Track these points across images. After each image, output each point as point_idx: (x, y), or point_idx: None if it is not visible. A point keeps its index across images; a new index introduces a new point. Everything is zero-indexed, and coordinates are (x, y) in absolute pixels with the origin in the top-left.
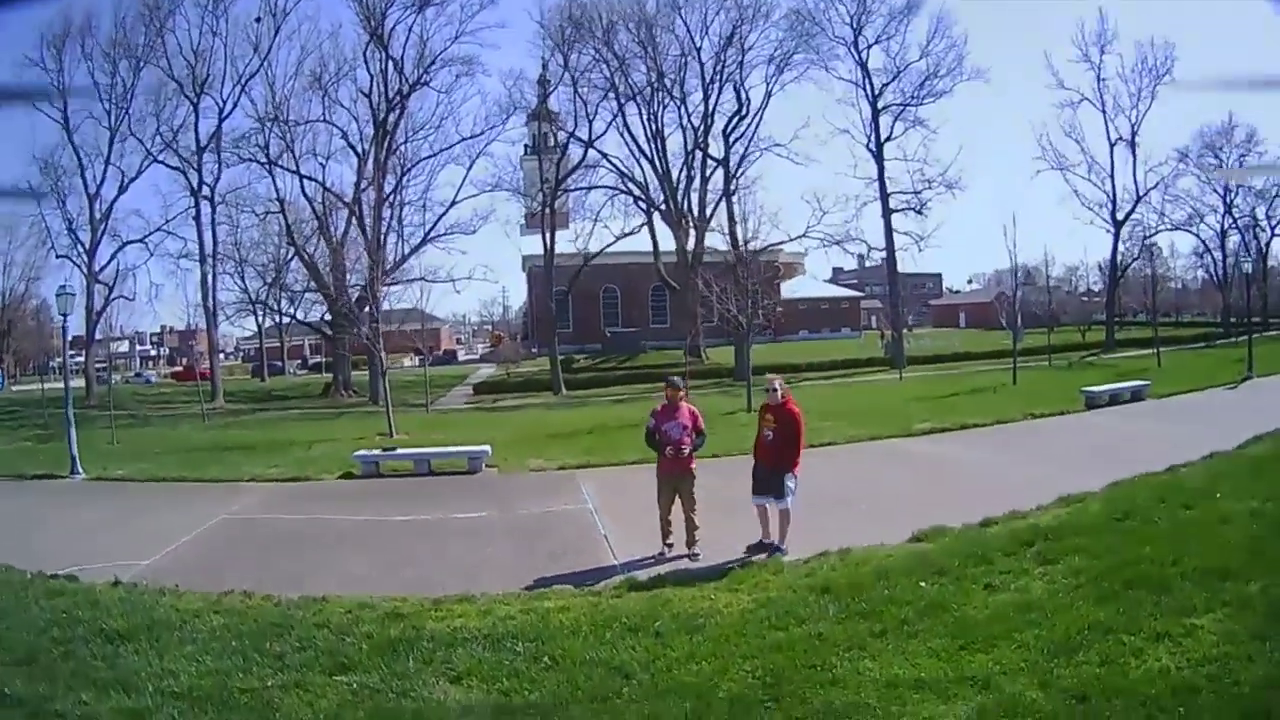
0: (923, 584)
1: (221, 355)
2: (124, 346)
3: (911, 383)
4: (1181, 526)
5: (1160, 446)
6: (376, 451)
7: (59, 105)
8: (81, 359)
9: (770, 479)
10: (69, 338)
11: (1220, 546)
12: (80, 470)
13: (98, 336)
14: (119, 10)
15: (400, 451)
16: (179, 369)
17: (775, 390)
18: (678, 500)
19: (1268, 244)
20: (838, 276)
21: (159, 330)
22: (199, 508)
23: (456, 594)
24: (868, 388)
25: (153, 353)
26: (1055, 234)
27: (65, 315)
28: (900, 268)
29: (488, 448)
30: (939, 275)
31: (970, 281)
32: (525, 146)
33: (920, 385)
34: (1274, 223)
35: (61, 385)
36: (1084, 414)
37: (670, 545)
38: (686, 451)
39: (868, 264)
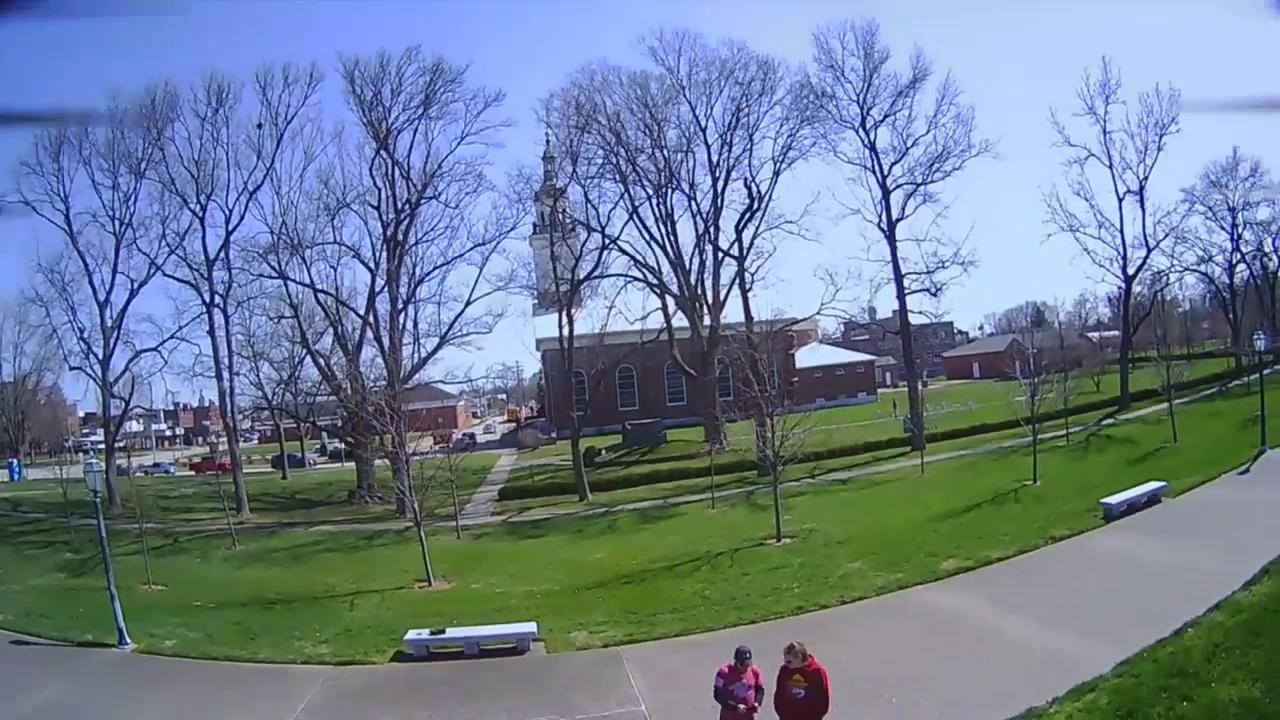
0: None
1: (239, 439)
2: (137, 425)
3: (933, 477)
4: None
5: (1172, 589)
6: (426, 634)
7: (61, 210)
8: (97, 448)
9: None
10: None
11: None
12: (128, 640)
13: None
14: (116, 118)
15: (450, 635)
16: (197, 460)
17: (798, 655)
18: None
19: (1275, 273)
20: (850, 332)
21: (173, 408)
22: (263, 708)
23: None
24: (891, 489)
25: (167, 432)
26: (1066, 287)
27: (96, 493)
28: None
29: (534, 627)
30: (950, 324)
31: (981, 327)
32: (534, 225)
33: (942, 483)
34: None
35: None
36: (1102, 533)
37: None
38: (756, 708)
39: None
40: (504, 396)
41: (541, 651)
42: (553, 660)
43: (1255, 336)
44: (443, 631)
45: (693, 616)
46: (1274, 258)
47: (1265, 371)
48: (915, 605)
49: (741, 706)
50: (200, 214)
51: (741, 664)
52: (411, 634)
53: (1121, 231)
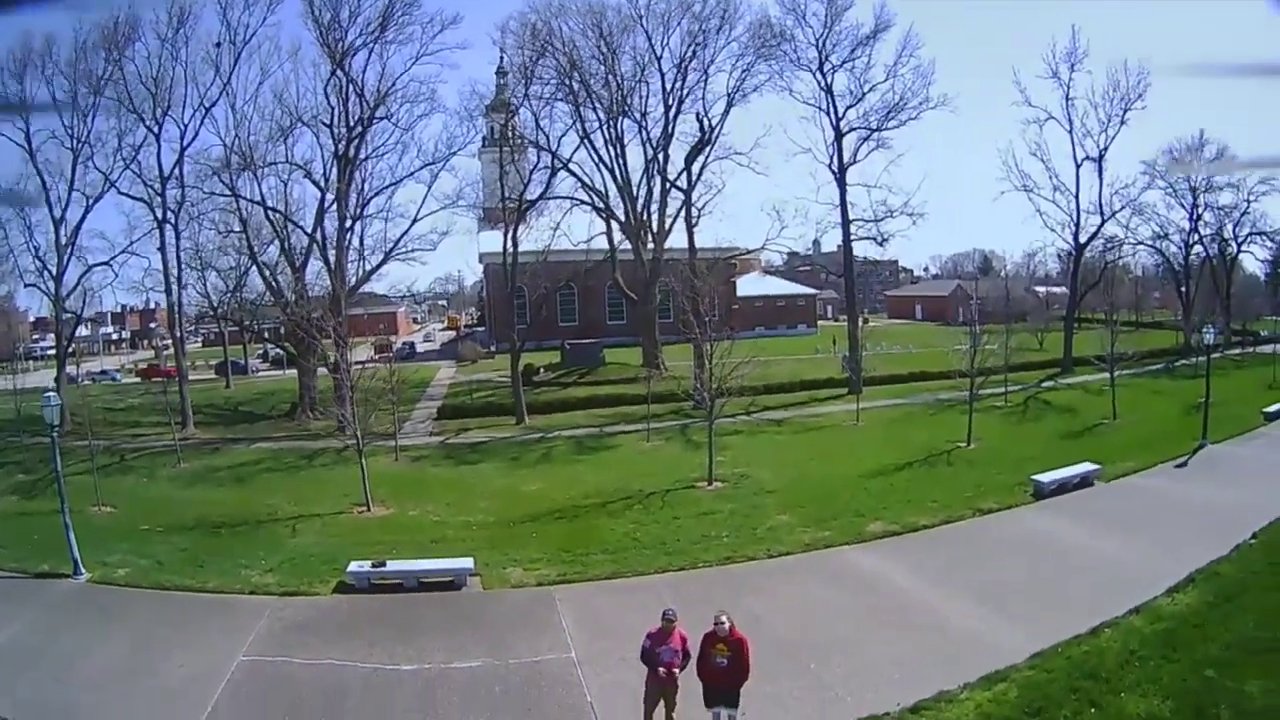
0: None
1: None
2: (85, 329)
3: (868, 427)
4: None
5: (1094, 580)
6: (368, 566)
7: (21, 126)
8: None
9: (726, 695)
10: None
11: None
12: (83, 571)
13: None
14: (78, 35)
15: (390, 568)
16: (144, 366)
17: (723, 624)
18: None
19: (1233, 259)
20: (792, 261)
21: (119, 310)
22: (214, 640)
23: None
24: (825, 437)
25: (114, 336)
26: (1016, 239)
27: (54, 426)
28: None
29: (471, 562)
30: (895, 262)
31: (927, 269)
32: (483, 139)
33: (876, 435)
34: (1240, 239)
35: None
36: (1031, 511)
37: None
38: (678, 673)
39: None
40: (444, 303)
41: (478, 587)
42: (488, 597)
43: (1205, 330)
44: (383, 564)
45: (624, 559)
46: (1233, 244)
47: (1214, 355)
48: (840, 566)
49: (664, 672)
50: (156, 130)
51: (668, 626)
52: (353, 566)
53: (1076, 197)
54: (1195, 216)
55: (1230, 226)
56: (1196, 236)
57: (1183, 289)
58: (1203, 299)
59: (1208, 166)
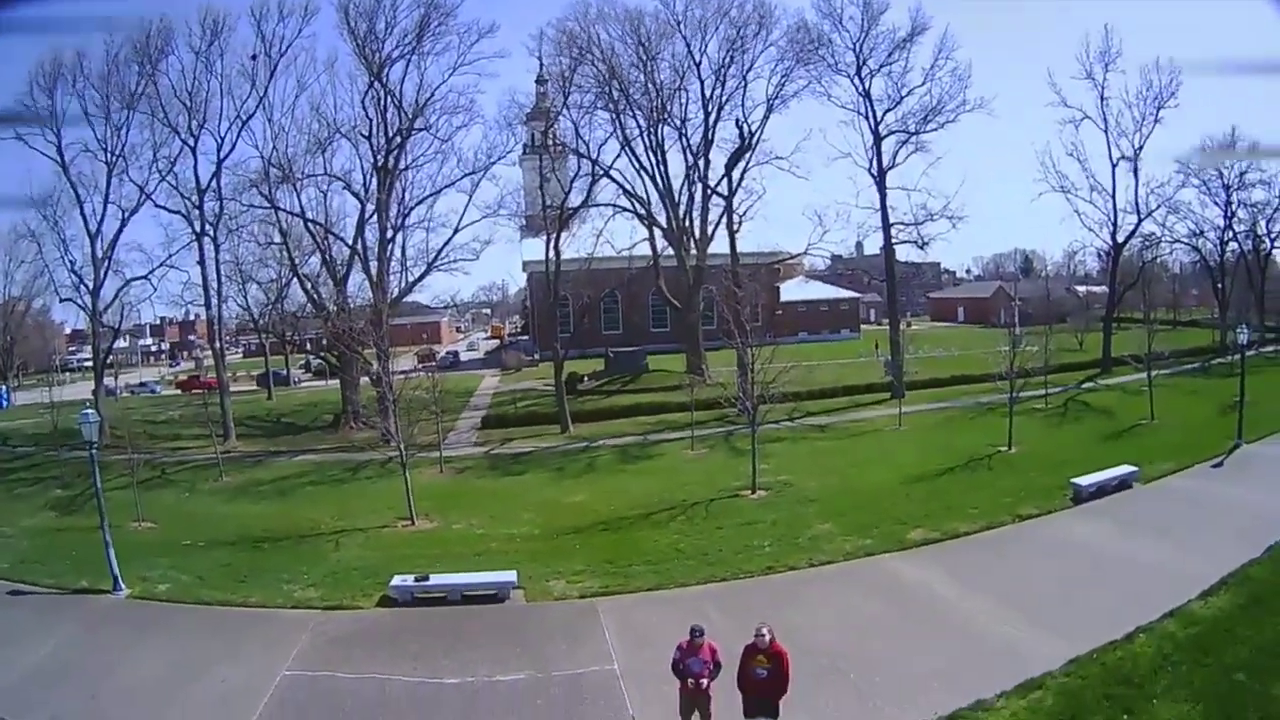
0: None
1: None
2: (123, 341)
3: (910, 432)
4: None
5: (1130, 585)
6: (411, 580)
7: (53, 141)
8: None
9: (766, 706)
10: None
11: None
12: (123, 586)
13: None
14: (109, 48)
15: (434, 582)
16: (184, 378)
17: (764, 636)
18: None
19: (1267, 255)
20: (835, 265)
21: (158, 322)
22: (256, 654)
23: None
24: (868, 442)
25: (152, 348)
26: (1056, 238)
27: (93, 444)
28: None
29: (514, 575)
30: (937, 264)
31: (969, 270)
32: (524, 147)
33: (918, 440)
34: (1274, 235)
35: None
36: (1070, 516)
37: None
38: (706, 684)
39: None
40: (489, 312)
41: (521, 600)
42: (531, 610)
43: (1238, 330)
44: (427, 578)
45: (666, 571)
46: (1266, 240)
47: (1248, 353)
48: (880, 575)
49: (691, 682)
50: (192, 144)
51: (696, 640)
52: (396, 580)
53: (1113, 197)
54: (1229, 213)
55: (1263, 223)
56: (1231, 233)
57: (1218, 286)
58: (1238, 296)
59: (1238, 154)
